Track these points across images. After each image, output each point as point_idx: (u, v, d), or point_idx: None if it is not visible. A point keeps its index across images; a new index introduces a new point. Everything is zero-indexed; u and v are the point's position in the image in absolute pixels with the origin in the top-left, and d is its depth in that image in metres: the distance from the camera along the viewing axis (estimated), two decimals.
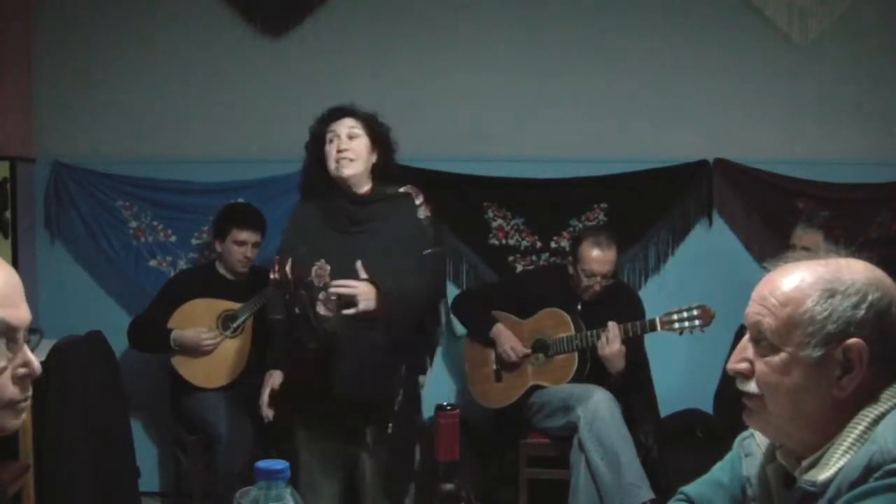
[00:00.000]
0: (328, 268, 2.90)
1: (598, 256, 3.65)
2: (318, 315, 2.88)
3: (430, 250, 2.98)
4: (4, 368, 1.20)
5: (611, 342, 3.48)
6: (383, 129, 3.02)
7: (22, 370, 1.22)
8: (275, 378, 3.04)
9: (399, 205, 3.00)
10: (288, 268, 2.97)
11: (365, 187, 2.99)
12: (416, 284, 2.90)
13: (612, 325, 3.50)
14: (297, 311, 2.94)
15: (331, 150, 2.94)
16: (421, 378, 3.07)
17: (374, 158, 2.99)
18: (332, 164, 2.93)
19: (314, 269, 2.91)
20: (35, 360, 1.24)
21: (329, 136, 2.95)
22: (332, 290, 2.84)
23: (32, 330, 1.26)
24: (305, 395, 2.96)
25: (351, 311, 2.80)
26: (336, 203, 2.97)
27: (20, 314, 1.21)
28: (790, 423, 1.27)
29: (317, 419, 2.96)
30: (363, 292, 2.81)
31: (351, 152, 2.92)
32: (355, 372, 2.84)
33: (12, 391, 1.21)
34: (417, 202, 3.02)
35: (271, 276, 3.09)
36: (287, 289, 2.99)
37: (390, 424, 2.89)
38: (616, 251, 3.72)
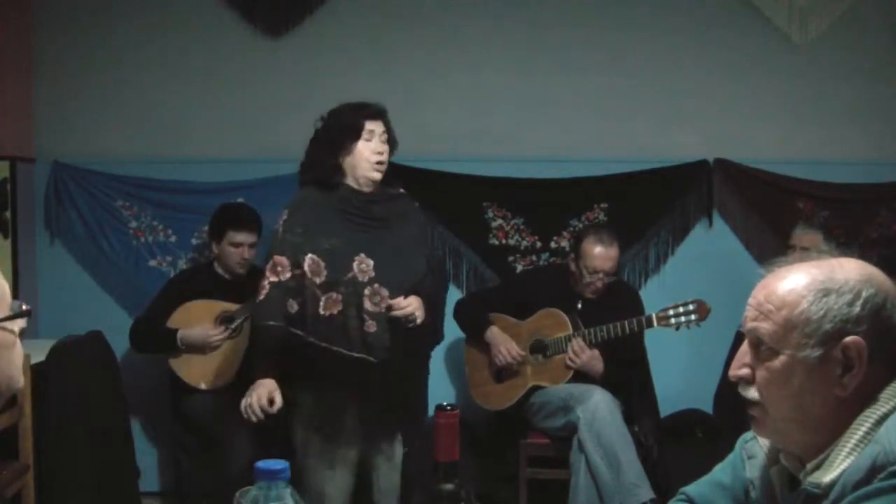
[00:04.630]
0: (371, 262, 2.85)
1: (600, 253, 3.65)
2: (367, 311, 2.83)
3: (429, 250, 3.07)
4: None
5: (577, 355, 3.56)
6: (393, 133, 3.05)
7: None
8: (269, 389, 2.84)
9: (405, 205, 3.04)
10: (307, 265, 2.82)
11: (372, 186, 2.98)
12: (436, 284, 2.99)
13: (574, 341, 3.58)
14: (329, 312, 2.82)
15: (365, 148, 2.91)
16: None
17: None
18: (365, 164, 2.91)
19: (354, 264, 2.84)
20: None
21: (366, 133, 2.92)
22: (395, 313, 2.81)
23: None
24: (336, 402, 2.90)
25: (410, 325, 2.82)
26: (343, 195, 2.92)
27: None
28: (795, 426, 1.27)
29: (338, 425, 2.91)
30: (416, 307, 2.83)
31: (385, 155, 2.94)
32: (395, 377, 2.86)
33: None
34: (416, 204, 3.08)
35: (271, 280, 2.85)
36: (302, 289, 2.83)
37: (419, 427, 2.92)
38: (618, 248, 3.72)
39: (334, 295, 2.81)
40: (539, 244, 4.33)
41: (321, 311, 2.81)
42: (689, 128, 4.29)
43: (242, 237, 3.80)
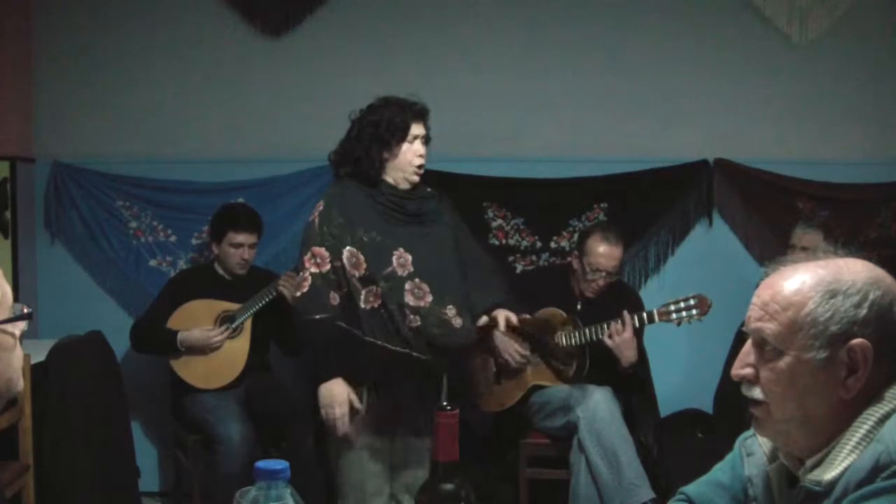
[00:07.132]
0: (409, 256, 2.84)
1: (605, 251, 3.63)
2: (409, 305, 2.82)
3: (471, 250, 3.12)
4: None
5: (624, 330, 3.43)
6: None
7: None
8: (346, 394, 2.82)
9: (442, 205, 3.04)
10: (345, 258, 2.81)
11: (410, 186, 2.98)
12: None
13: (625, 314, 3.45)
14: (370, 306, 2.82)
15: (408, 151, 2.90)
16: None
17: None
18: (407, 167, 2.90)
19: (394, 258, 2.84)
20: None
21: (412, 134, 2.90)
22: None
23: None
24: (383, 397, 2.92)
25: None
26: (381, 191, 2.91)
27: None
28: (797, 427, 1.26)
29: (384, 419, 2.94)
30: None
31: (425, 158, 2.94)
32: (437, 374, 2.91)
33: None
34: (450, 202, 3.10)
35: (312, 271, 2.81)
36: (342, 282, 2.82)
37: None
38: (622, 250, 3.71)
39: (375, 289, 2.81)
40: (539, 244, 4.33)
41: (362, 305, 2.80)
42: (689, 128, 4.29)
43: (243, 238, 3.80)
